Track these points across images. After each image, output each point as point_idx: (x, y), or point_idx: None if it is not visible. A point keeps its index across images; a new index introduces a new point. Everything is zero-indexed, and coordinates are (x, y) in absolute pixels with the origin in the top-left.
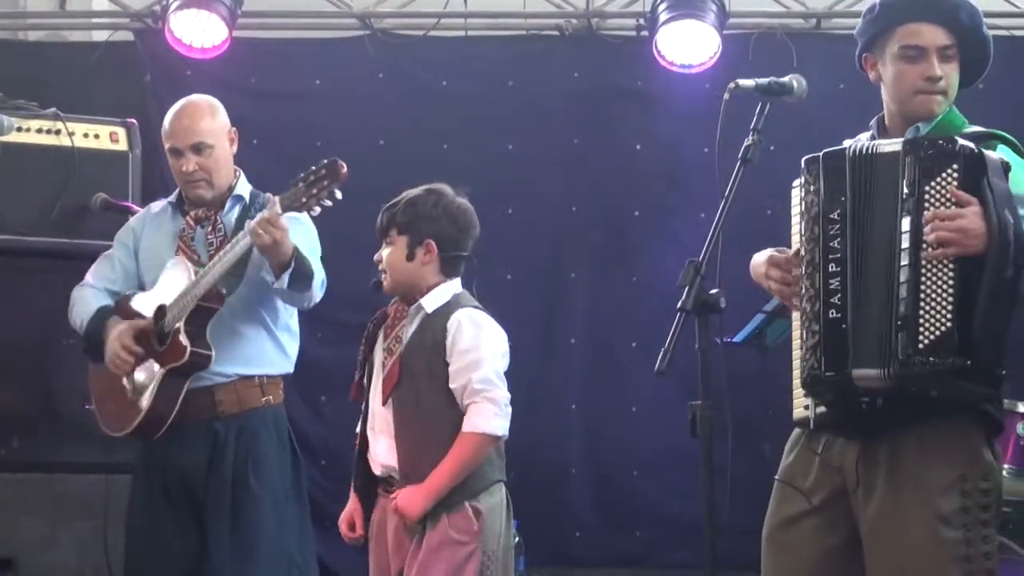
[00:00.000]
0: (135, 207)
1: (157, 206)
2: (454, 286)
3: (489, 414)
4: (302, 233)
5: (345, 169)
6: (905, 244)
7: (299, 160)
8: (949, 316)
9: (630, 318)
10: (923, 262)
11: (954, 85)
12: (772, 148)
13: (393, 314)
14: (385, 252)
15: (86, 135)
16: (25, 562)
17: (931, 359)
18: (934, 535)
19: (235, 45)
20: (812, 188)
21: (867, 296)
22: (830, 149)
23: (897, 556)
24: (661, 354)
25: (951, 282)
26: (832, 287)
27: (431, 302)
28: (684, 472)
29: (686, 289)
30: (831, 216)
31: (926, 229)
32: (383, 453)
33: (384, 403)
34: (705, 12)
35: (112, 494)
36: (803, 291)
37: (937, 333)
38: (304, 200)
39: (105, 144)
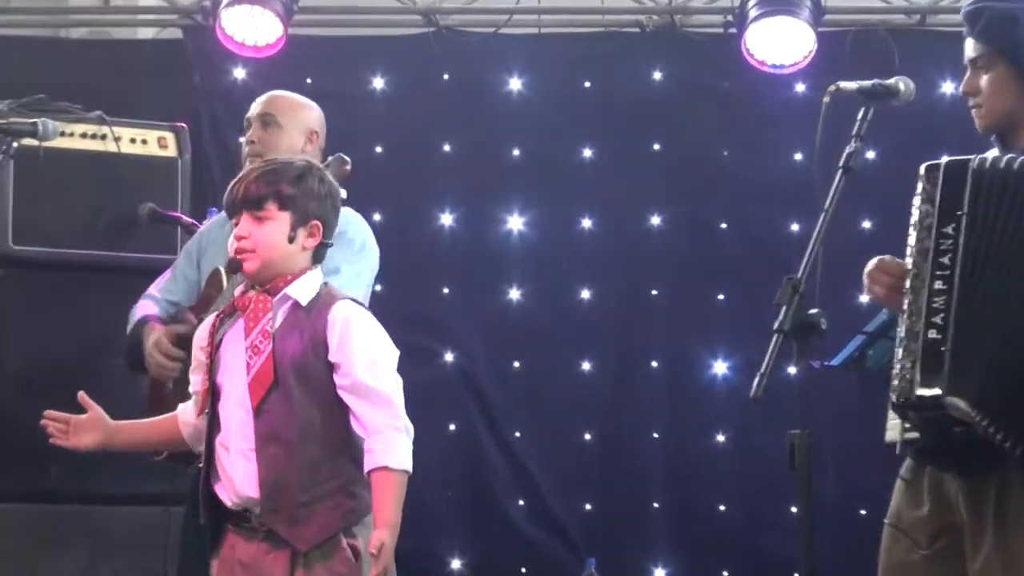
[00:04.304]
0: (184, 217)
1: None
2: (319, 274)
3: (409, 447)
4: (343, 251)
5: (349, 166)
6: None
7: (358, 166)
8: None
9: (716, 339)
10: None
11: (995, 95)
12: (871, 156)
13: (252, 306)
14: (257, 228)
15: (133, 140)
16: None
17: None
18: None
19: (290, 43)
20: (928, 197)
21: (977, 325)
22: (954, 158)
23: None
24: (757, 379)
25: None
26: (936, 306)
27: (302, 292)
28: (777, 507)
29: (784, 309)
30: (945, 231)
31: None
32: (242, 479)
33: (255, 412)
34: (799, 7)
35: (171, 526)
36: (906, 306)
37: None
38: None
39: (153, 150)
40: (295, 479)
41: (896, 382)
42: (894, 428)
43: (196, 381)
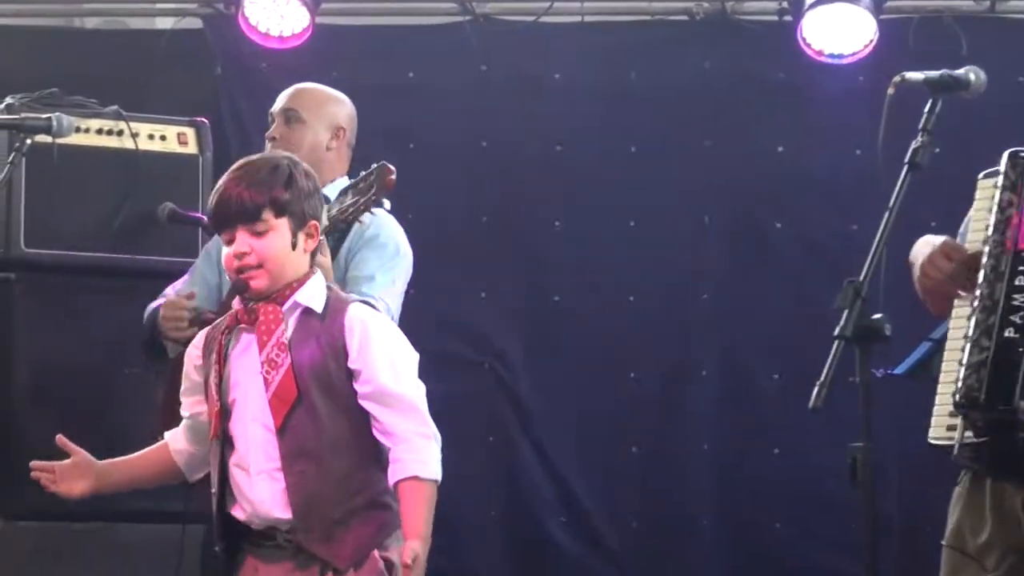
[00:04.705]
0: (206, 218)
1: None
2: (321, 276)
3: (438, 456)
4: (377, 256)
5: (394, 176)
6: None
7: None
8: None
9: (771, 346)
10: None
11: None
12: (936, 150)
13: (262, 318)
14: (257, 242)
15: (151, 136)
16: None
17: None
18: None
19: (317, 33)
20: (1010, 184)
21: None
22: None
23: None
24: (816, 388)
25: None
26: (1016, 303)
27: (313, 299)
28: (837, 525)
29: (845, 313)
30: None
31: None
32: (267, 501)
33: (279, 430)
34: None
35: (187, 544)
36: (977, 300)
37: None
38: (351, 211)
39: (172, 146)
40: (328, 495)
41: (960, 381)
42: (942, 427)
43: (189, 403)
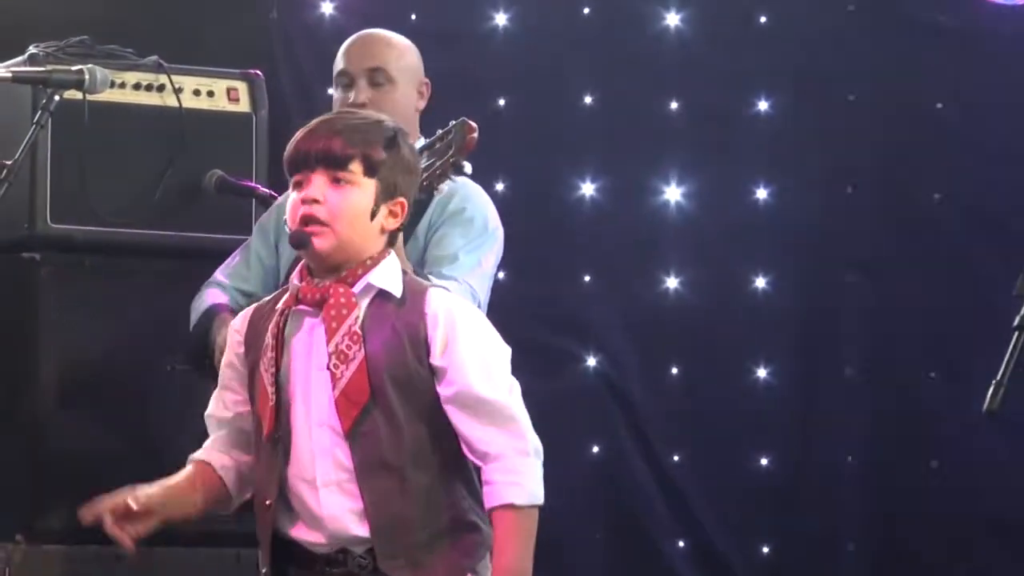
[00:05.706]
0: (260, 188)
1: None
2: (396, 259)
3: (538, 474)
4: (462, 232)
5: (475, 134)
6: None
7: (477, 125)
8: None
9: (930, 339)
10: None
11: None
12: None
13: (332, 300)
14: (334, 193)
15: (197, 92)
16: None
17: None
18: None
19: None
20: None
21: None
22: None
23: None
24: (993, 387)
25: None
26: None
27: (389, 281)
28: (1014, 551)
29: None
30: None
31: None
32: (336, 517)
33: (349, 435)
34: None
35: (243, 572)
36: None
37: None
38: (426, 177)
39: (221, 103)
40: (412, 516)
41: None
42: None
43: (230, 401)
